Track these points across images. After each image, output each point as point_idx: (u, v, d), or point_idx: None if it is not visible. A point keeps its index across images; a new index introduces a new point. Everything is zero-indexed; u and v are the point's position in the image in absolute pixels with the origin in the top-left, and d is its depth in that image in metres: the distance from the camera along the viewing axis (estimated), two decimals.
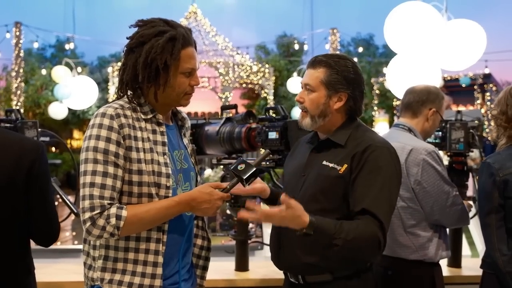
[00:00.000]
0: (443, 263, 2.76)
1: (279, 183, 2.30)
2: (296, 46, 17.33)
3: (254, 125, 2.69)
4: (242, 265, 2.96)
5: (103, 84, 15.65)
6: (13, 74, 12.97)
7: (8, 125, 2.86)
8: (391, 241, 2.31)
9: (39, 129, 2.91)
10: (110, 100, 13.02)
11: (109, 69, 15.35)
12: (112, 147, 1.61)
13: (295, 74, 13.13)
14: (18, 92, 13.00)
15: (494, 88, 14.35)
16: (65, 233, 5.49)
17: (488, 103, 14.26)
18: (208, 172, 8.80)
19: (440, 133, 2.87)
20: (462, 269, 3.05)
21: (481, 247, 4.24)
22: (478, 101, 15.05)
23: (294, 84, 12.30)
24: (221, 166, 3.05)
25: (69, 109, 10.87)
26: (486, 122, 11.81)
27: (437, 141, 2.88)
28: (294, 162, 1.97)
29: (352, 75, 1.82)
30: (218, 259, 3.25)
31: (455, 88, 14.83)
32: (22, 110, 10.43)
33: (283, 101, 15.66)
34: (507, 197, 2.04)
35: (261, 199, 2.02)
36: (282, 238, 1.85)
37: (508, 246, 2.04)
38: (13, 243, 1.80)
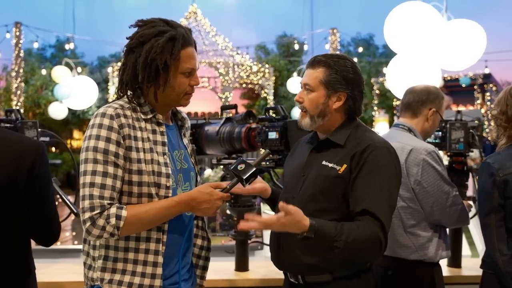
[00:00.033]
0: (443, 263, 2.76)
1: (279, 183, 2.30)
2: (296, 46, 17.33)
3: (254, 125, 2.69)
4: (242, 265, 2.96)
5: (103, 84, 15.65)
6: (13, 74, 12.97)
7: (8, 125, 2.86)
8: (391, 241, 2.30)
9: (39, 129, 2.91)
10: (110, 100, 13.01)
11: (109, 69, 15.35)
12: (112, 147, 1.61)
13: (295, 74, 13.13)
14: (18, 92, 12.99)
15: (494, 88, 14.35)
16: (65, 233, 5.49)
17: (488, 103, 14.26)
18: (208, 172, 8.81)
19: (440, 133, 2.87)
20: (462, 269, 3.05)
21: (481, 247, 4.24)
22: (478, 101, 15.04)
23: (294, 84, 12.30)
24: (221, 166, 3.05)
25: (69, 109, 10.87)
26: (486, 122, 11.81)
27: (437, 141, 2.88)
28: (294, 162, 1.97)
29: (351, 74, 1.82)
30: (218, 259, 3.25)
31: (455, 88, 14.83)
32: (22, 110, 10.43)
33: (283, 101, 15.65)
34: (507, 197, 2.04)
35: (262, 199, 2.03)
36: (282, 238, 1.85)
37: (508, 246, 2.04)
38: (13, 243, 1.80)
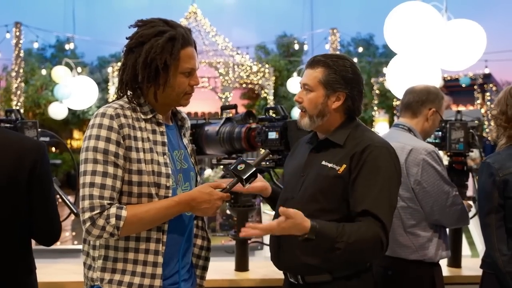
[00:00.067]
0: (443, 263, 2.76)
1: (279, 183, 2.30)
2: (296, 46, 17.32)
3: (254, 125, 2.69)
4: (242, 265, 2.96)
5: (103, 84, 15.65)
6: (13, 74, 12.96)
7: (8, 125, 2.86)
8: (391, 241, 2.29)
9: (39, 129, 2.91)
10: (110, 100, 13.01)
11: (109, 69, 15.35)
12: (112, 147, 1.61)
13: (295, 74, 13.12)
14: (18, 92, 12.99)
15: (494, 88, 14.35)
16: (65, 233, 5.49)
17: (488, 103, 14.25)
18: (208, 172, 8.80)
19: (440, 133, 2.87)
20: (462, 269, 3.05)
21: (481, 247, 4.24)
22: (478, 101, 15.04)
23: (294, 84, 12.29)
24: (221, 166, 3.05)
25: (69, 109, 10.87)
26: (486, 122, 11.80)
27: (437, 141, 2.88)
28: (294, 162, 1.97)
29: (350, 74, 1.82)
30: (218, 259, 3.25)
31: (455, 88, 14.82)
32: (22, 110, 10.46)
33: (283, 101, 15.64)
34: (507, 197, 2.04)
35: (263, 198, 2.03)
36: (282, 238, 1.85)
37: (508, 246, 2.04)
38: (14, 243, 1.80)
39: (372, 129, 2.02)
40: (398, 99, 11.34)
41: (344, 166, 1.76)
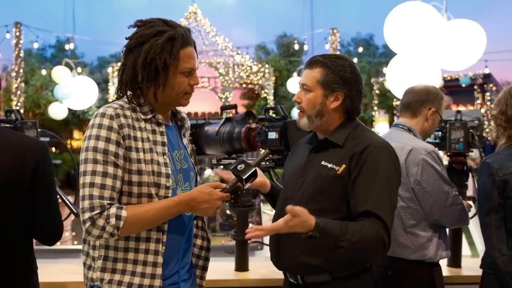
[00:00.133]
0: (443, 263, 2.76)
1: (278, 183, 2.30)
2: (296, 46, 17.32)
3: (254, 125, 2.69)
4: (242, 265, 2.96)
5: (103, 84, 15.65)
6: (13, 74, 12.96)
7: (8, 125, 2.86)
8: (391, 241, 2.30)
9: (39, 130, 2.91)
10: (110, 100, 13.01)
11: (109, 69, 15.35)
12: (112, 147, 1.61)
13: (295, 74, 13.12)
14: (18, 92, 12.99)
15: (494, 88, 14.35)
16: (65, 233, 5.48)
17: (488, 103, 14.25)
18: (208, 172, 8.80)
19: (439, 133, 2.87)
20: (462, 269, 3.05)
21: (481, 247, 4.24)
22: (478, 101, 15.04)
23: (294, 84, 12.29)
24: (221, 166, 3.05)
25: (69, 109, 10.86)
26: (486, 122, 11.80)
27: (436, 141, 2.88)
28: (294, 162, 1.97)
29: (348, 74, 1.82)
30: (218, 259, 3.25)
31: (455, 88, 14.82)
32: (22, 111, 10.46)
33: (283, 101, 15.65)
34: (506, 197, 2.04)
35: (261, 194, 2.03)
36: (281, 238, 1.85)
37: (507, 246, 2.04)
38: (16, 243, 1.81)
39: (372, 129, 2.02)
40: (398, 99, 11.32)
41: (344, 166, 1.76)
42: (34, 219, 1.82)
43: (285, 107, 2.80)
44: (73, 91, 9.67)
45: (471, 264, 3.08)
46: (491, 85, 14.63)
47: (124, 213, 1.58)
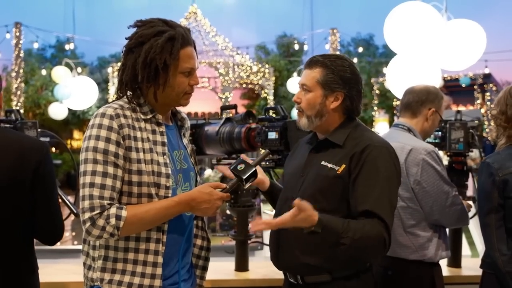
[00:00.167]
0: (443, 263, 2.76)
1: (278, 183, 2.31)
2: (296, 46, 17.31)
3: (253, 125, 2.69)
4: (242, 265, 2.96)
5: (103, 85, 15.65)
6: (13, 74, 12.96)
7: (8, 125, 2.86)
8: (391, 241, 2.31)
9: (39, 130, 2.91)
10: (110, 100, 13.00)
11: (109, 70, 15.34)
12: (112, 147, 1.61)
13: (295, 74, 13.12)
14: (18, 92, 12.99)
15: (494, 88, 14.34)
16: (65, 233, 5.49)
17: (488, 103, 14.25)
18: (208, 172, 8.80)
19: (439, 133, 2.87)
20: (462, 269, 3.05)
21: (481, 247, 4.24)
22: (478, 101, 15.04)
23: (294, 84, 12.29)
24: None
25: (69, 109, 10.86)
26: (486, 122, 11.80)
27: (436, 141, 2.88)
28: (294, 162, 1.97)
29: (348, 74, 1.82)
30: (218, 259, 3.25)
31: (455, 88, 14.82)
32: (22, 111, 10.45)
33: (283, 101, 15.64)
34: (506, 197, 2.04)
35: (261, 192, 2.03)
36: (281, 238, 1.86)
37: (507, 246, 2.04)
38: (17, 243, 1.81)
39: (372, 129, 2.02)
40: (398, 99, 11.32)
41: (344, 166, 1.76)
42: (34, 219, 1.82)
43: (285, 107, 2.80)
44: (73, 91, 9.67)
45: (471, 264, 3.08)
46: (491, 85, 14.63)
47: (124, 213, 1.58)
